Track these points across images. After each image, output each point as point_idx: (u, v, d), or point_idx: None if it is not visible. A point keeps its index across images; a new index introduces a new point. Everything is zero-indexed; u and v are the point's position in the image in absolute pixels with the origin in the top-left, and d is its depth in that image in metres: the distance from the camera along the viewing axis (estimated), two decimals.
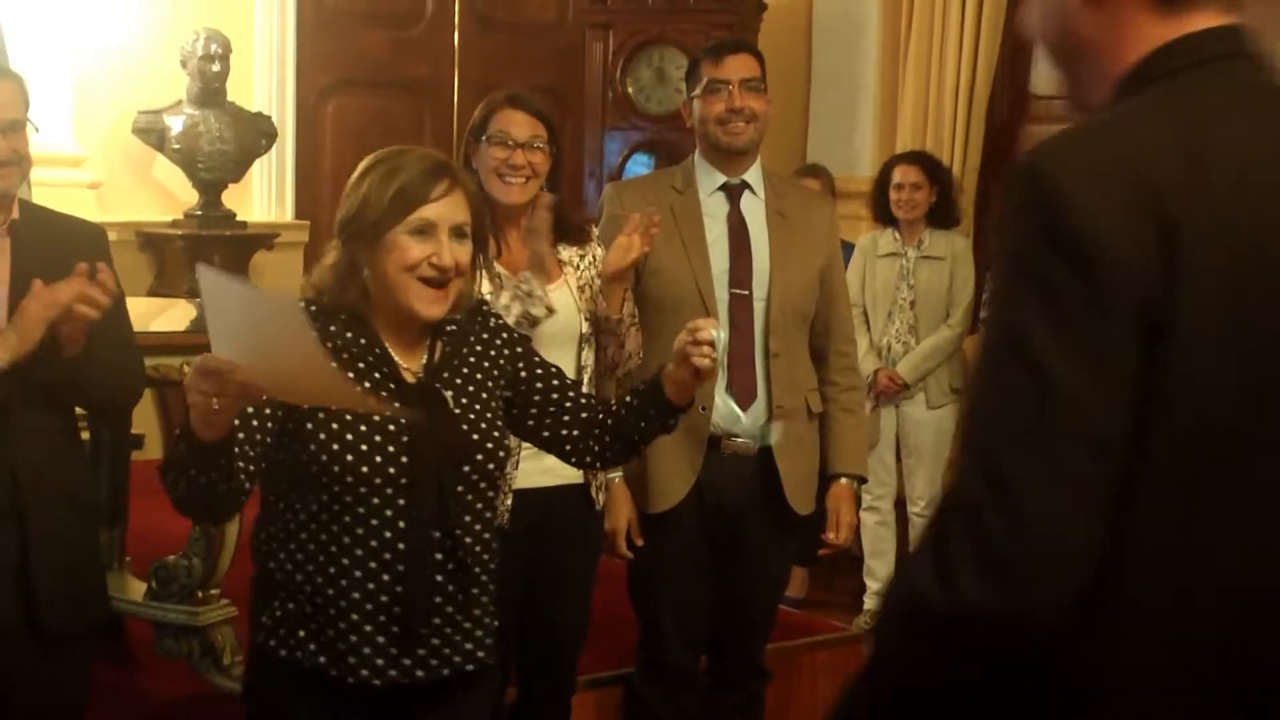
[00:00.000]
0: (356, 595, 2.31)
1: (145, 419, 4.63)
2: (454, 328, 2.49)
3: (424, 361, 2.44)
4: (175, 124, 6.07)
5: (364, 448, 2.30)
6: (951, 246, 5.52)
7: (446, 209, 2.36)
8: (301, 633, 2.35)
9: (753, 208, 3.49)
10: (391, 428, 2.32)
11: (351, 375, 2.31)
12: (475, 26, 7.03)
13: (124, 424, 4.13)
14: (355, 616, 2.31)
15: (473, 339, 2.52)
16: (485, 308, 2.60)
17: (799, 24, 7.30)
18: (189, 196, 6.24)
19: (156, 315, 4.43)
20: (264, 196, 6.67)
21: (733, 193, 3.48)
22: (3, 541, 2.84)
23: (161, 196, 6.40)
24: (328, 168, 6.77)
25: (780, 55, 7.01)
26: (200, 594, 3.85)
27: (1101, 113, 1.48)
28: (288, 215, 6.69)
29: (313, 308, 2.36)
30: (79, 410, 3.16)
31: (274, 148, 6.40)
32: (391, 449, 2.31)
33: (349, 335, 2.38)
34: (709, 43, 3.83)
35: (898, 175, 5.53)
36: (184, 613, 3.86)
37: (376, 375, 2.36)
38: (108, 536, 3.97)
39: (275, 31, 6.58)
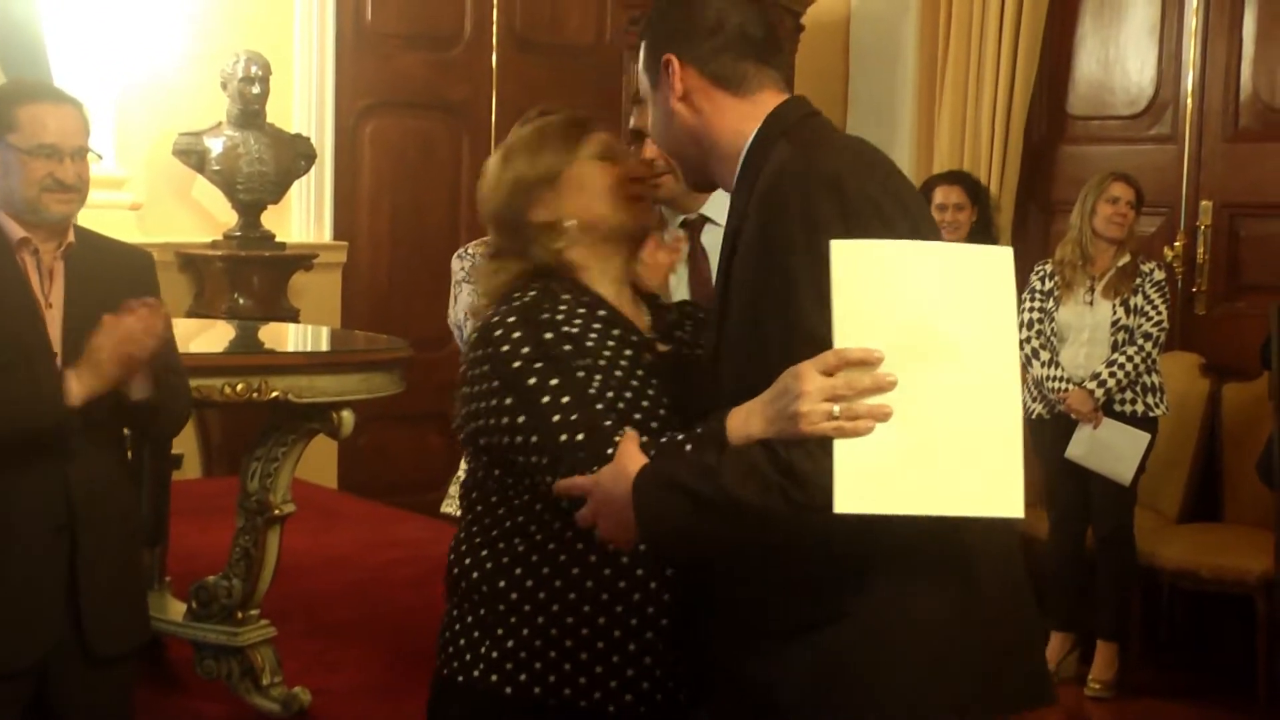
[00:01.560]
0: (602, 621, 2.10)
1: (184, 439, 4.65)
2: (659, 301, 2.28)
3: (648, 322, 2.23)
4: (215, 145, 6.11)
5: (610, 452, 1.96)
6: None
7: (609, 136, 2.23)
8: (538, 665, 2.11)
9: (716, 240, 3.42)
10: (653, 424, 2.04)
11: (608, 352, 2.11)
12: (513, 48, 7.05)
13: (165, 444, 4.15)
14: (601, 645, 2.10)
15: (684, 327, 2.30)
16: (691, 307, 2.40)
17: (836, 46, 7.30)
18: (228, 217, 6.28)
19: (196, 336, 4.45)
20: (303, 217, 6.69)
21: (693, 228, 3.44)
22: (54, 560, 2.86)
23: (201, 217, 6.43)
24: (366, 189, 6.80)
25: (818, 77, 7.02)
26: (240, 614, 3.86)
27: (787, 149, 1.97)
28: (326, 236, 6.72)
29: (538, 296, 2.14)
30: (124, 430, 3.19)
31: (313, 169, 6.43)
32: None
33: (580, 309, 2.14)
34: None
35: (939, 196, 5.50)
36: (224, 633, 3.86)
37: (619, 333, 2.14)
38: (148, 556, 3.99)
39: (314, 53, 6.61)
